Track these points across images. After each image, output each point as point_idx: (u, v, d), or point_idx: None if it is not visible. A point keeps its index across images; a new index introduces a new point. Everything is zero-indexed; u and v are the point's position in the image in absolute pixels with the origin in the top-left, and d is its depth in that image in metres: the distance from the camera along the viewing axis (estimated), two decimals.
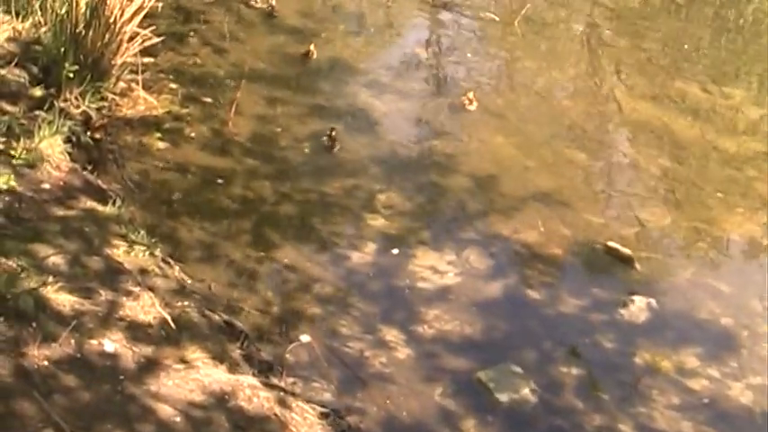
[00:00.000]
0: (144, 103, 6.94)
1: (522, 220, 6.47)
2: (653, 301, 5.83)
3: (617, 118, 8.07)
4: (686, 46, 9.47)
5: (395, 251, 6.00)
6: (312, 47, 8.11)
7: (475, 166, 7.00)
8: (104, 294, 4.68)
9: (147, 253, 5.21)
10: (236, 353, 4.80)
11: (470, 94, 7.72)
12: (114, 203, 5.55)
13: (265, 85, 7.63)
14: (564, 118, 7.86)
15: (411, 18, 9.61)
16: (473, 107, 7.69)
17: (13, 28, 6.74)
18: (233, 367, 4.61)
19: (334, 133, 6.95)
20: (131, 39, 6.76)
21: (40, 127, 5.78)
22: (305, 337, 5.19)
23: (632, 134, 7.91)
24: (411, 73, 8.28)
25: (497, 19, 9.47)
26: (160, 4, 7.49)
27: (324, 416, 4.59)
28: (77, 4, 6.48)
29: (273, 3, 8.82)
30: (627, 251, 6.18)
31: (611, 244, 6.24)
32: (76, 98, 6.48)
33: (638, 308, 5.77)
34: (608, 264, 6.16)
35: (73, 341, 4.32)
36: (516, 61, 8.92)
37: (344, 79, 8.00)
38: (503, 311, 5.69)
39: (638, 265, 6.13)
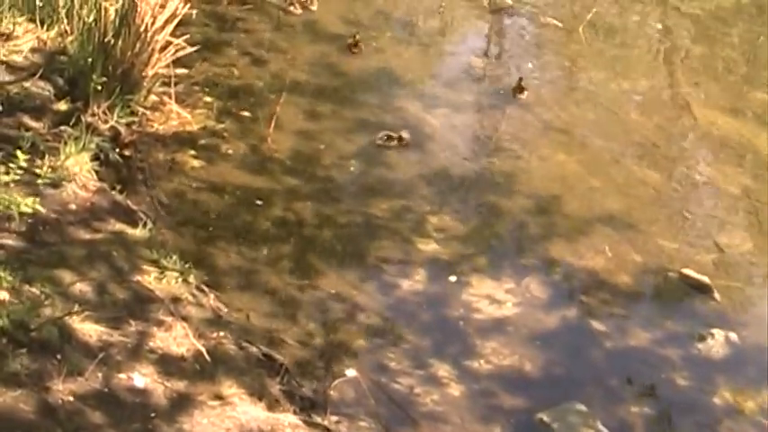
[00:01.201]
0: (177, 117, 7.02)
1: (588, 244, 6.43)
2: (733, 335, 5.76)
3: (693, 132, 8.01)
4: None
5: (452, 278, 5.99)
6: (357, 36, 8.16)
7: (535, 185, 6.99)
8: (134, 324, 4.72)
9: (180, 280, 5.24)
10: (275, 388, 4.81)
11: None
12: (145, 226, 5.61)
13: (307, 97, 7.70)
14: (634, 133, 7.81)
15: (466, 24, 9.64)
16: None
17: (38, 37, 6.87)
18: (272, 404, 4.62)
19: (403, 134, 7.14)
20: (163, 48, 6.85)
21: (65, 143, 5.86)
22: (351, 372, 5.19)
23: (710, 150, 7.85)
24: (465, 84, 8.29)
25: (560, 25, 9.46)
26: (194, 12, 7.60)
27: None
28: (106, 12, 6.59)
29: (314, 8, 8.89)
30: (704, 279, 6.13)
31: (686, 271, 6.19)
32: (104, 112, 6.57)
33: (717, 342, 5.71)
34: (683, 293, 6.11)
35: (100, 375, 4.35)
36: (581, 71, 8.90)
37: (393, 91, 8.04)
38: (566, 345, 5.65)
39: (716, 295, 6.07)
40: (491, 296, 5.90)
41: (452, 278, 6.02)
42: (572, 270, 6.23)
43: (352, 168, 6.96)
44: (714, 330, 5.77)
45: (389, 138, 7.17)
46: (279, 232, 6.28)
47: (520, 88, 8.04)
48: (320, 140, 7.21)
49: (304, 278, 5.89)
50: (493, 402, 5.19)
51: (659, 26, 10.02)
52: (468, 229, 6.49)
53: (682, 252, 6.46)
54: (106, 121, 6.55)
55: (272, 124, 7.19)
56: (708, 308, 6.00)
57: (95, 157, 6.07)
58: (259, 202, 6.49)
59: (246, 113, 7.38)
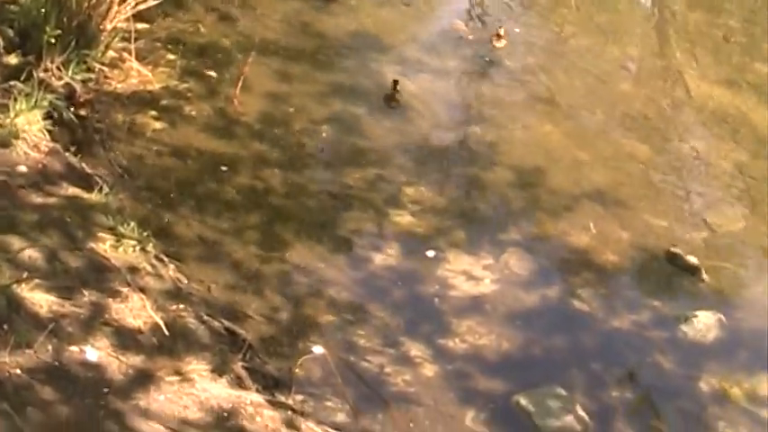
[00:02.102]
0: (137, 75, 6.99)
1: (572, 220, 6.47)
2: (722, 318, 5.82)
3: (686, 105, 8.05)
4: None
5: (428, 253, 6.02)
6: None
7: (518, 157, 7.01)
8: (87, 295, 4.72)
9: (138, 248, 5.25)
10: (238, 365, 4.83)
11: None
12: (101, 191, 5.59)
13: (278, 58, 7.67)
14: (623, 104, 7.85)
15: None
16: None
17: None
18: (234, 382, 4.64)
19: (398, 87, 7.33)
20: (123, 1, 6.79)
21: (15, 100, 5.82)
22: (318, 349, 5.21)
23: (703, 124, 7.89)
24: (447, 49, 8.29)
25: None
26: None
27: None
28: None
29: None
30: (693, 259, 6.18)
31: (674, 250, 6.24)
32: (59, 68, 6.52)
33: (705, 325, 5.77)
34: (670, 273, 6.16)
35: (50, 347, 4.35)
36: (569, 38, 8.91)
37: (370, 54, 8.02)
38: (546, 326, 5.70)
39: (705, 276, 6.13)
40: (468, 272, 5.93)
41: (428, 253, 6.05)
42: (554, 247, 6.27)
43: (324, 134, 6.96)
44: (701, 313, 5.83)
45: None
46: (245, 201, 6.28)
47: (497, 36, 8.11)
48: (291, 104, 7.20)
49: (270, 250, 5.90)
50: (468, 384, 5.23)
51: None
52: (445, 202, 6.51)
53: (670, 230, 6.51)
54: (60, 78, 6.50)
55: (240, 85, 7.15)
56: (696, 289, 6.07)
57: (48, 116, 6.03)
58: (224, 168, 6.47)
59: (212, 73, 7.35)
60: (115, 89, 6.84)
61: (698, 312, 5.83)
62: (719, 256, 6.37)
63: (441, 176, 6.75)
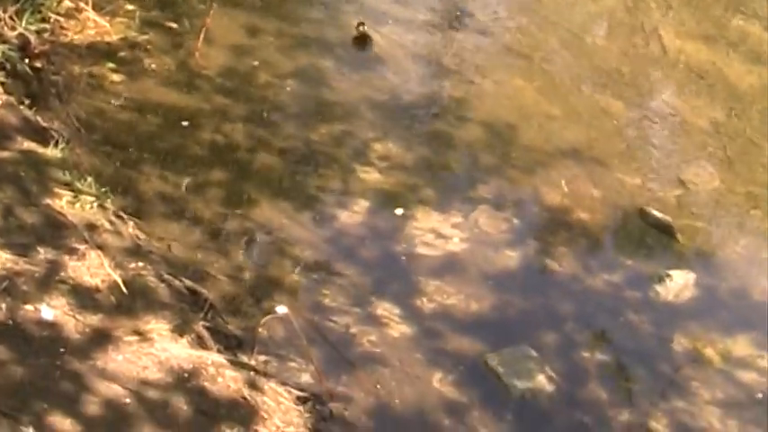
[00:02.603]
0: (94, 26, 6.92)
1: (544, 178, 6.48)
2: (696, 278, 5.86)
3: (661, 61, 8.04)
4: None
5: (396, 211, 6.02)
6: None
7: (489, 112, 7.01)
8: (43, 252, 4.70)
9: (96, 205, 5.22)
10: (199, 325, 4.82)
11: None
12: (57, 145, 5.55)
13: (242, 9, 7.61)
14: (597, 59, 7.85)
15: None
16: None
17: None
18: (195, 342, 4.63)
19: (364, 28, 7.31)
20: None
21: None
22: (281, 309, 5.20)
23: (678, 80, 7.90)
24: (417, 0, 8.24)
25: None
26: None
27: (302, 401, 4.63)
28: None
29: None
30: (666, 218, 6.21)
31: (647, 209, 6.26)
32: (12, 18, 6.45)
33: (678, 285, 5.80)
34: (644, 232, 6.19)
35: (4, 306, 4.33)
36: None
37: (336, 5, 7.98)
38: (517, 285, 5.72)
39: (679, 235, 6.16)
40: (437, 231, 5.93)
41: (396, 210, 6.05)
42: (526, 205, 6.28)
43: (289, 88, 6.93)
44: (675, 272, 5.86)
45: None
46: (207, 156, 6.25)
47: None
48: (255, 57, 7.15)
49: (234, 207, 5.89)
50: (435, 344, 5.25)
51: None
52: (414, 159, 6.50)
53: (644, 188, 6.53)
54: (14, 28, 6.43)
55: (202, 37, 7.11)
56: (670, 248, 6.10)
57: (1, 68, 5.98)
58: (185, 123, 6.45)
59: (173, 24, 7.29)
60: (71, 40, 6.78)
61: (672, 272, 5.86)
62: (694, 215, 6.41)
63: (409, 132, 6.74)
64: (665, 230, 6.16)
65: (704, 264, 6.03)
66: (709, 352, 5.44)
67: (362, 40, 7.38)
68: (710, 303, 5.76)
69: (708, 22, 8.56)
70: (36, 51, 6.50)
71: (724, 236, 6.33)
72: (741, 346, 5.52)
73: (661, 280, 5.81)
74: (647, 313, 5.64)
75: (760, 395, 5.25)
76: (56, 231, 4.89)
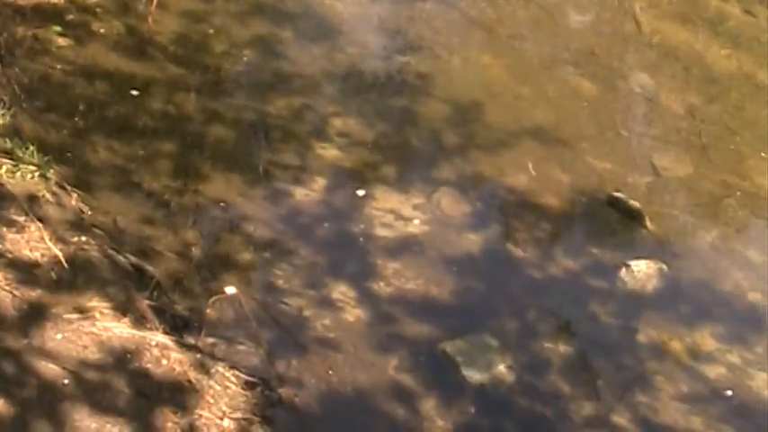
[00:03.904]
0: None
1: (510, 160, 6.50)
2: (664, 268, 5.90)
3: (635, 41, 8.09)
4: None
5: (355, 190, 6.02)
6: None
7: (455, 90, 7.02)
8: None
9: (38, 175, 5.19)
10: (143, 304, 4.82)
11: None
12: None
13: None
14: (569, 38, 7.88)
15: None
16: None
17: None
18: (139, 321, 4.63)
19: None
20: None
21: None
22: (231, 289, 5.21)
23: (653, 62, 7.93)
24: None
25: None
26: None
27: (250, 385, 4.64)
28: None
29: None
30: (636, 204, 6.24)
31: (616, 195, 6.30)
32: None
33: (646, 274, 5.84)
34: (612, 219, 6.23)
35: None
36: None
37: None
38: (479, 271, 5.74)
39: (648, 223, 6.20)
40: (397, 212, 5.94)
41: (355, 190, 6.05)
42: (490, 187, 6.30)
43: (245, 58, 6.91)
44: (642, 261, 5.89)
45: None
46: (157, 127, 6.23)
47: None
48: (210, 24, 7.13)
49: (184, 181, 5.87)
50: (392, 330, 5.26)
51: None
52: (375, 135, 6.51)
53: (614, 173, 6.56)
54: None
55: (155, 2, 7.07)
56: (638, 236, 6.14)
57: None
58: (135, 92, 6.41)
59: None
60: (15, 1, 6.72)
61: (638, 261, 5.90)
62: (665, 202, 6.45)
63: (371, 108, 6.74)
64: (635, 218, 6.20)
65: (673, 253, 6.07)
66: (675, 345, 5.48)
67: None
68: (678, 295, 5.81)
69: (685, 2, 8.61)
70: None
71: (695, 225, 6.38)
72: (708, 339, 5.57)
73: (627, 269, 5.84)
74: (612, 303, 5.68)
75: (727, 392, 5.28)
76: None
